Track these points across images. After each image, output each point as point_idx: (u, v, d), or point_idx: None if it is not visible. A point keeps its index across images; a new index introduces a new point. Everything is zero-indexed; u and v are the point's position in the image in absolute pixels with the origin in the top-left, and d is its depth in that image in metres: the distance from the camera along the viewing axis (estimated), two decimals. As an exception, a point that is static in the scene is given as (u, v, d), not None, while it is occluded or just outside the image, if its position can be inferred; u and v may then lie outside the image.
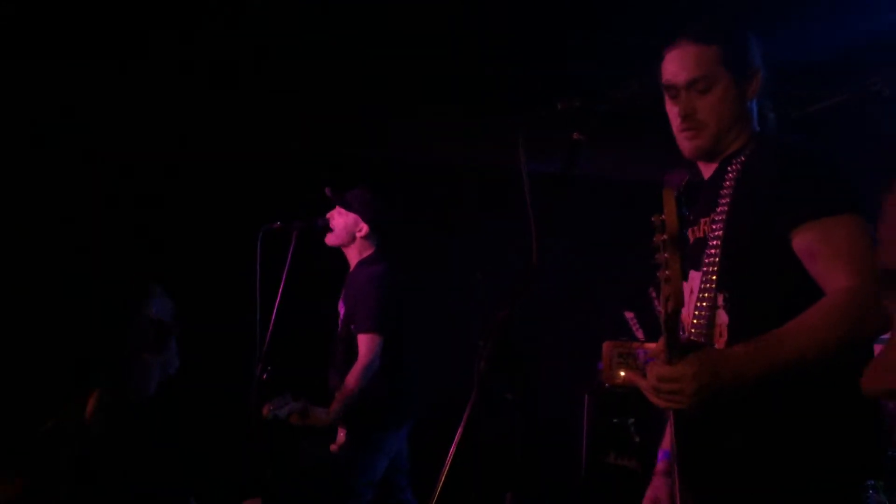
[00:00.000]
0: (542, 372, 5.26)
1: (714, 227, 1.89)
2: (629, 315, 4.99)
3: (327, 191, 3.95)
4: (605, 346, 4.98)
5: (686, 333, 1.87)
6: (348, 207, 3.91)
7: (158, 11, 3.89)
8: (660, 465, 2.03)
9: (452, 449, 1.81)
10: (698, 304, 1.87)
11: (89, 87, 4.44)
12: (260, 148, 5.13)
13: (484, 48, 4.25)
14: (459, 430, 1.81)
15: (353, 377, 3.64)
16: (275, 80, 4.62)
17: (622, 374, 4.88)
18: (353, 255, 3.96)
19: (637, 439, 4.74)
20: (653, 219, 1.66)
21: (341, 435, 3.71)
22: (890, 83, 4.32)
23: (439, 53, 4.31)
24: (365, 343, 3.68)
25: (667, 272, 1.63)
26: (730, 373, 1.64)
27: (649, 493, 2.01)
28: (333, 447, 3.70)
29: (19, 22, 3.91)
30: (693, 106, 1.95)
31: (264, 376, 3.64)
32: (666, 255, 1.63)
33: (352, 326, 3.80)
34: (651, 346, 4.82)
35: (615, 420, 4.82)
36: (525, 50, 4.23)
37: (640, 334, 4.94)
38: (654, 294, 4.78)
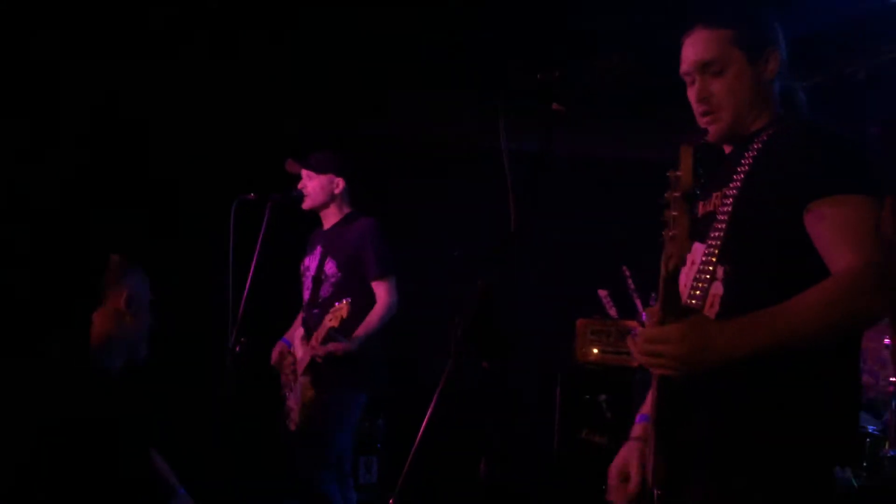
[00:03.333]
0: (516, 348, 5.30)
1: (725, 201, 1.88)
2: (602, 293, 5.02)
3: (289, 162, 3.99)
4: (579, 323, 5.03)
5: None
6: (318, 169, 3.95)
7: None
8: (635, 429, 2.03)
9: (427, 417, 1.82)
10: (697, 276, 1.87)
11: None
12: (235, 120, 5.09)
13: (461, 18, 4.22)
14: (434, 398, 1.82)
15: (376, 316, 3.78)
16: (246, 51, 4.57)
17: (595, 351, 4.93)
18: (333, 214, 4.01)
19: (608, 416, 4.79)
20: (668, 173, 1.62)
21: (309, 394, 3.75)
22: (865, 67, 4.37)
23: (416, 23, 4.28)
24: (383, 287, 3.83)
25: (672, 231, 1.60)
26: (721, 342, 1.63)
27: (618, 458, 1.99)
28: (303, 407, 3.74)
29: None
30: (709, 89, 1.95)
31: (237, 347, 3.64)
32: (674, 212, 1.60)
33: (328, 268, 3.86)
34: (625, 323, 4.87)
35: (588, 396, 4.86)
36: (506, 20, 4.21)
37: (613, 312, 4.98)
38: (627, 272, 4.83)
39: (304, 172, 3.97)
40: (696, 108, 1.99)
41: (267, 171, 4.13)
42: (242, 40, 4.44)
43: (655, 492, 1.76)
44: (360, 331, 3.74)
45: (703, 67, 1.95)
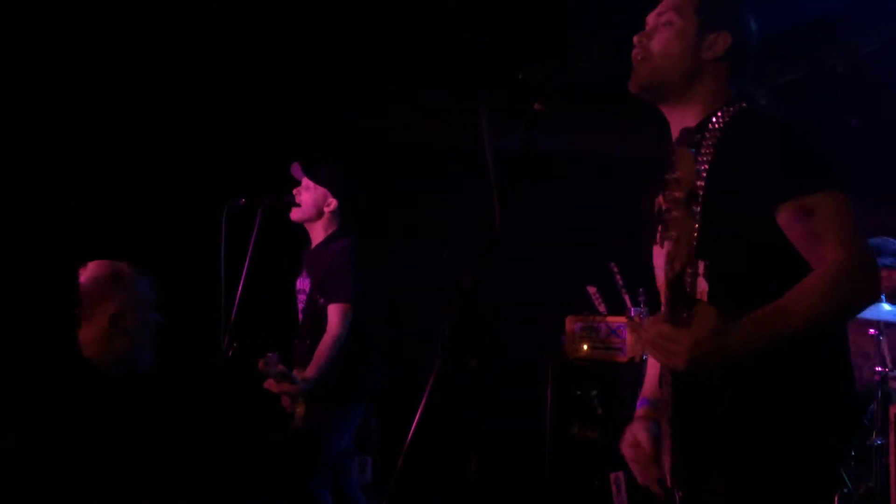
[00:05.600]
0: (506, 345, 5.32)
1: None
2: (592, 290, 5.05)
3: (296, 166, 3.94)
4: (568, 320, 5.06)
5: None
6: (319, 181, 3.89)
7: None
8: (639, 411, 2.07)
9: (418, 414, 1.84)
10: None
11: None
12: (226, 121, 5.09)
13: (446, 20, 4.24)
14: (424, 397, 1.84)
15: (324, 347, 3.65)
16: (238, 51, 4.59)
17: (585, 347, 4.96)
18: (319, 231, 3.95)
19: (600, 411, 4.82)
20: (665, 175, 1.63)
21: (300, 410, 3.71)
22: (844, 59, 4.40)
23: (400, 25, 4.30)
24: (335, 313, 3.69)
25: (674, 232, 1.61)
26: (734, 344, 1.66)
27: (628, 436, 2.02)
28: (294, 423, 3.71)
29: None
30: (651, 34, 2.00)
31: (230, 352, 3.65)
32: (676, 213, 1.60)
33: (320, 299, 3.81)
34: (613, 319, 4.90)
35: (578, 392, 4.89)
36: (488, 21, 4.23)
37: (602, 308, 5.00)
38: (615, 268, 4.86)
39: (304, 181, 3.92)
40: (634, 44, 2.02)
41: (260, 174, 4.12)
42: (237, 42, 4.46)
43: (677, 494, 1.79)
44: (310, 371, 3.62)
45: (658, 15, 2.00)
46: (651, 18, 2.03)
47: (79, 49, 4.39)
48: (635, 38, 2.02)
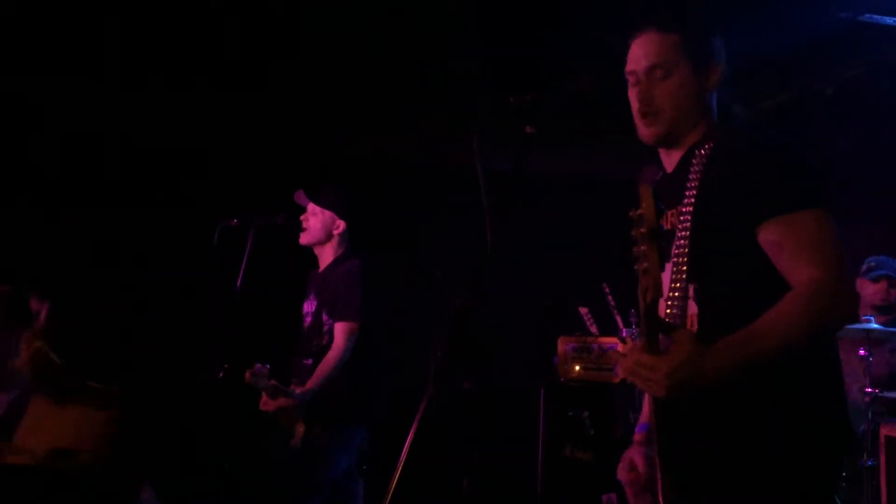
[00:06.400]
0: (498, 366, 5.32)
1: (682, 218, 1.93)
2: (583, 310, 5.06)
3: (300, 193, 3.96)
4: (560, 340, 5.06)
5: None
6: (324, 205, 3.92)
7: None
8: (637, 436, 2.09)
9: (410, 437, 1.84)
10: (670, 295, 1.92)
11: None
12: (220, 145, 5.12)
13: (438, 43, 4.28)
14: (416, 419, 1.84)
15: (327, 363, 3.67)
16: (235, 78, 4.62)
17: (577, 368, 4.96)
18: (328, 254, 3.96)
19: (592, 432, 4.81)
20: (630, 213, 1.68)
21: (300, 430, 3.70)
22: (833, 82, 4.45)
23: (394, 50, 4.34)
24: (342, 331, 3.71)
25: (645, 264, 1.66)
26: (710, 368, 1.68)
27: (624, 461, 2.04)
28: (294, 442, 3.70)
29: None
30: (651, 92, 2.00)
31: (221, 373, 3.65)
32: (643, 247, 1.66)
33: (324, 316, 3.83)
34: (605, 340, 4.91)
35: (570, 413, 4.88)
36: (479, 45, 4.27)
37: (594, 329, 5.01)
38: (607, 289, 4.87)
39: (310, 207, 3.94)
40: (637, 107, 2.02)
41: (257, 195, 4.13)
42: (238, 64, 4.49)
43: None
44: (311, 382, 3.65)
45: (650, 70, 2.00)
46: (640, 72, 2.01)
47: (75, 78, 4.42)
48: (636, 97, 2.02)
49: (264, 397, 3.63)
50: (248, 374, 3.54)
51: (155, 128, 4.93)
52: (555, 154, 4.13)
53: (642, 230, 1.65)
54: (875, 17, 3.86)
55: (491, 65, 4.28)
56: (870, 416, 3.94)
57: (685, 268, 1.89)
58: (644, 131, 2.03)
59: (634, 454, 2.04)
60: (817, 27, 4.01)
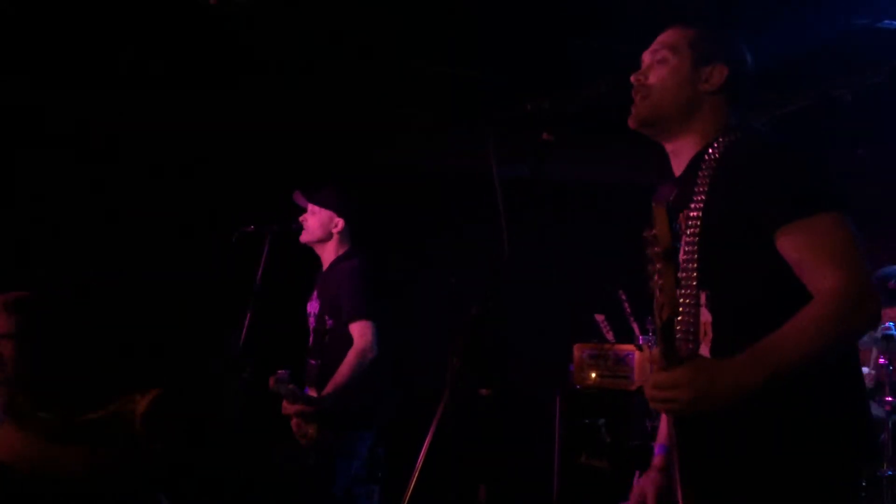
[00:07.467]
0: (514, 373, 5.32)
1: (689, 223, 1.90)
2: (599, 318, 5.04)
3: (297, 194, 3.98)
4: (576, 348, 5.05)
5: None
6: (322, 204, 3.92)
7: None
8: (656, 460, 2.05)
9: (426, 443, 1.85)
10: (682, 302, 1.89)
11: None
12: (233, 150, 5.14)
13: (454, 51, 4.29)
14: (433, 425, 1.85)
15: (347, 364, 3.60)
16: (242, 85, 4.64)
17: (593, 375, 4.95)
18: (329, 253, 3.96)
19: (608, 440, 4.80)
20: (644, 234, 1.67)
21: (311, 433, 3.69)
22: (851, 89, 4.42)
23: (409, 56, 4.35)
24: (359, 330, 3.64)
25: (660, 282, 1.65)
26: (727, 383, 1.66)
27: (637, 489, 2.02)
28: (305, 443, 3.70)
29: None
30: (647, 72, 2.03)
31: (242, 377, 3.66)
32: (658, 266, 1.65)
33: (329, 320, 3.81)
34: (621, 347, 4.89)
35: (586, 421, 4.87)
36: (495, 52, 4.28)
37: (610, 336, 5.00)
38: (623, 296, 4.86)
39: (309, 207, 3.95)
40: (632, 83, 2.05)
41: (272, 203, 4.15)
42: (249, 71, 4.52)
43: None
44: (330, 386, 3.59)
45: (655, 51, 2.03)
46: (647, 56, 2.06)
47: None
48: (633, 78, 2.05)
49: (285, 402, 3.63)
50: (271, 381, 3.53)
51: (171, 132, 4.96)
52: (571, 161, 4.11)
53: (657, 249, 1.64)
54: (894, 23, 3.84)
55: (508, 71, 4.28)
56: (889, 425, 3.91)
57: (696, 274, 1.87)
58: (633, 111, 2.04)
59: (646, 483, 2.00)
60: (835, 34, 3.99)
